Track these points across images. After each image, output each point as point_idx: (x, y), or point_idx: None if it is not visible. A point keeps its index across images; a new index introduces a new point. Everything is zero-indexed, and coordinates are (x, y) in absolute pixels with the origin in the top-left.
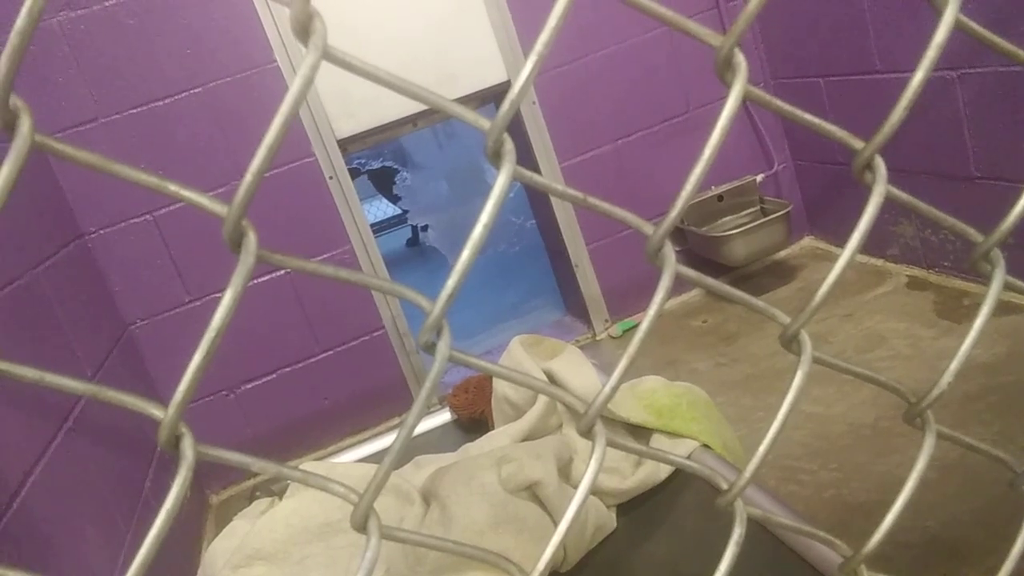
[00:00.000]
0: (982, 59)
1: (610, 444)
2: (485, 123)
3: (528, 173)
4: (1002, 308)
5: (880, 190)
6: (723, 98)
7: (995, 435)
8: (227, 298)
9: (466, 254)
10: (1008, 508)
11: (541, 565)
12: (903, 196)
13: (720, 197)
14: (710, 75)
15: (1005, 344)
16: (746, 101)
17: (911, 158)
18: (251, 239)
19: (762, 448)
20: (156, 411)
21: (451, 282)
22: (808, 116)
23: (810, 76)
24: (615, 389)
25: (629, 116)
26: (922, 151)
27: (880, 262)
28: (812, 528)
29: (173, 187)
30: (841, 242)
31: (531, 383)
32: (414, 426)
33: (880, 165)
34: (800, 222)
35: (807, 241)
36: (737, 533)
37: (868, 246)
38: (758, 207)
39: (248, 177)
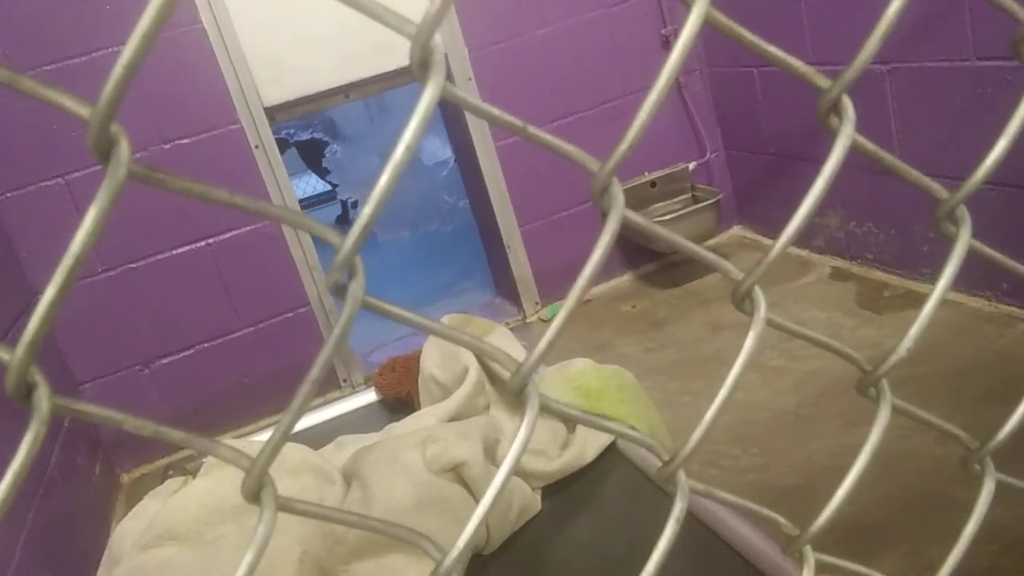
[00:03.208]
0: (912, 54)
1: (543, 408)
2: (411, 27)
3: (459, 92)
4: (921, 301)
5: (848, 132)
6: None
7: (914, 423)
8: (90, 218)
9: (385, 178)
10: (925, 495)
11: (462, 542)
12: (868, 145)
13: (653, 183)
14: (646, 61)
15: (922, 335)
16: (680, 87)
17: None
18: (123, 147)
19: (709, 415)
20: (3, 353)
21: (367, 210)
22: (772, 49)
23: (745, 65)
24: (551, 344)
25: (566, 98)
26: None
27: (805, 252)
28: (756, 506)
29: (28, 82)
30: (769, 232)
31: (459, 338)
32: (319, 379)
33: (848, 106)
34: (729, 211)
35: (735, 230)
36: (678, 508)
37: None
38: (689, 194)
39: (118, 70)
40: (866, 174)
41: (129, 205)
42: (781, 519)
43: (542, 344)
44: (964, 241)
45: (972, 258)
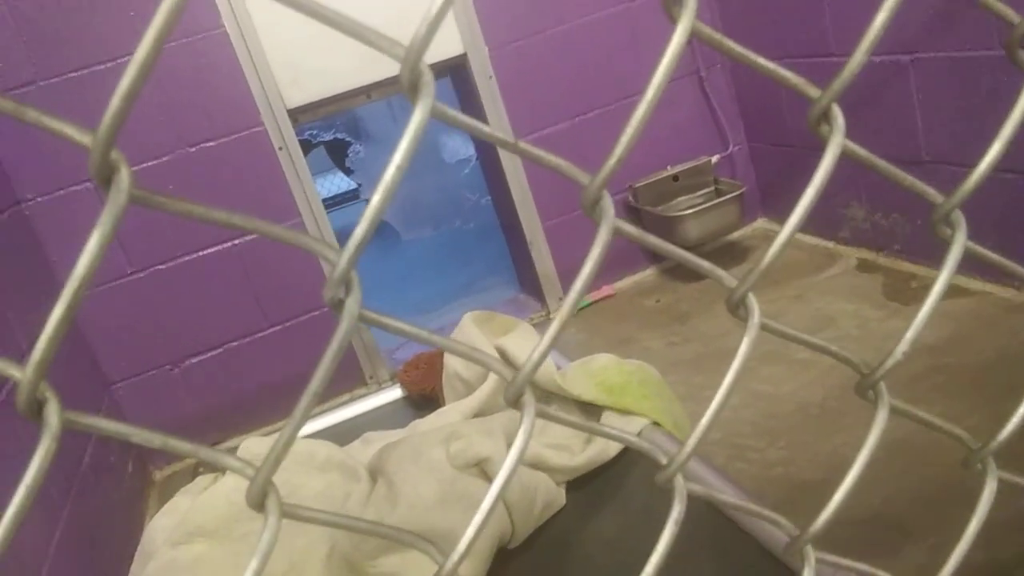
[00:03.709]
0: (936, 43)
1: (540, 415)
2: (400, 50)
3: (450, 111)
4: (948, 291)
5: (838, 141)
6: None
7: (939, 415)
8: (92, 242)
9: (376, 198)
10: (950, 487)
11: (462, 546)
12: (860, 151)
13: (675, 177)
14: None
15: (949, 327)
16: (702, 80)
17: (862, 142)
18: (123, 174)
19: (704, 421)
20: (13, 370)
21: (359, 230)
22: (761, 60)
23: (766, 58)
24: (544, 355)
25: (587, 93)
26: (874, 135)
27: (831, 244)
28: (757, 507)
29: (32, 113)
30: None
31: (456, 348)
32: (319, 391)
33: (838, 115)
34: (753, 204)
35: (760, 223)
36: (676, 511)
37: (819, 228)
38: (713, 188)
39: (116, 101)
40: (890, 164)
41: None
42: (782, 520)
43: (535, 356)
44: (960, 244)
45: (999, 247)
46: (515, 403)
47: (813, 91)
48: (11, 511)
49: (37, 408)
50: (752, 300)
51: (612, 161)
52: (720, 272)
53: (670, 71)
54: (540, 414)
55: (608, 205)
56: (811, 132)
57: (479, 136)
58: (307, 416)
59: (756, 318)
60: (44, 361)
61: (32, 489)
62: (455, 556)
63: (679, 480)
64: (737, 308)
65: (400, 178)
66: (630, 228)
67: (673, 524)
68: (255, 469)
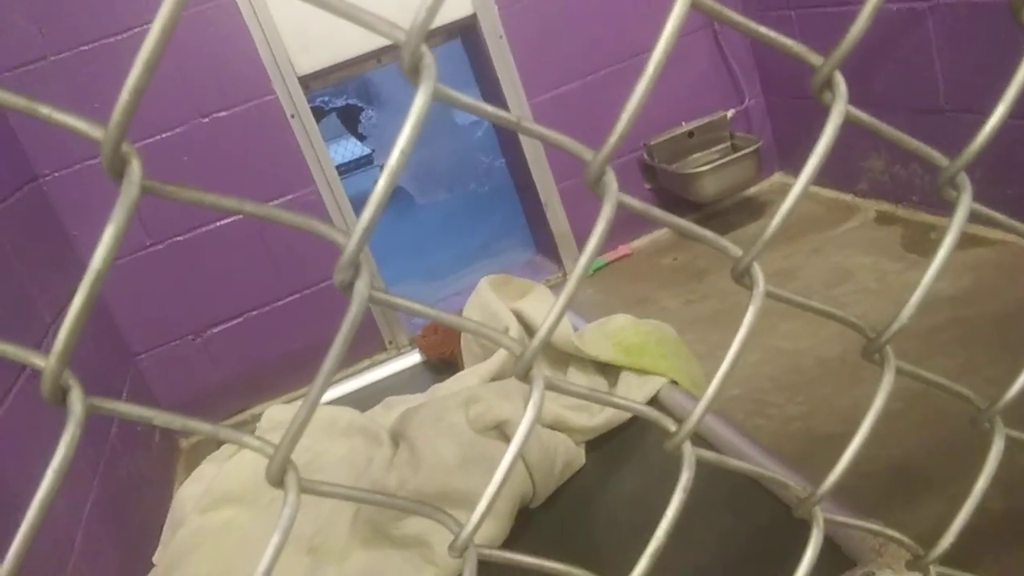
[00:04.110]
0: None
1: (549, 387)
2: (400, 34)
3: (452, 92)
4: (968, 241)
5: (840, 109)
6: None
7: (960, 367)
8: (107, 235)
9: (382, 183)
10: (971, 439)
11: (476, 516)
12: (864, 117)
13: (690, 133)
14: None
15: (970, 277)
16: (716, 33)
17: (880, 92)
18: (134, 167)
19: (711, 390)
20: (37, 360)
21: (367, 214)
22: (763, 29)
23: (782, 8)
24: (551, 331)
25: (598, 52)
26: (892, 84)
27: (849, 197)
28: (765, 471)
29: (45, 110)
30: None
31: (466, 325)
32: (333, 371)
33: (840, 82)
34: (770, 158)
35: (777, 177)
36: (685, 478)
37: (837, 181)
38: (728, 143)
39: (124, 95)
40: (910, 115)
41: (174, 181)
42: (790, 482)
43: (543, 331)
44: (964, 207)
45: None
46: (524, 378)
47: (815, 59)
48: (40, 495)
49: (61, 396)
50: (756, 269)
51: (613, 138)
52: (723, 242)
53: (670, 46)
54: (549, 387)
55: (611, 180)
56: (814, 99)
57: (482, 116)
58: (322, 394)
59: (761, 287)
60: (66, 351)
61: (59, 473)
62: (469, 527)
63: (687, 447)
64: (742, 277)
65: (405, 162)
66: (634, 202)
67: (682, 491)
68: (274, 447)
